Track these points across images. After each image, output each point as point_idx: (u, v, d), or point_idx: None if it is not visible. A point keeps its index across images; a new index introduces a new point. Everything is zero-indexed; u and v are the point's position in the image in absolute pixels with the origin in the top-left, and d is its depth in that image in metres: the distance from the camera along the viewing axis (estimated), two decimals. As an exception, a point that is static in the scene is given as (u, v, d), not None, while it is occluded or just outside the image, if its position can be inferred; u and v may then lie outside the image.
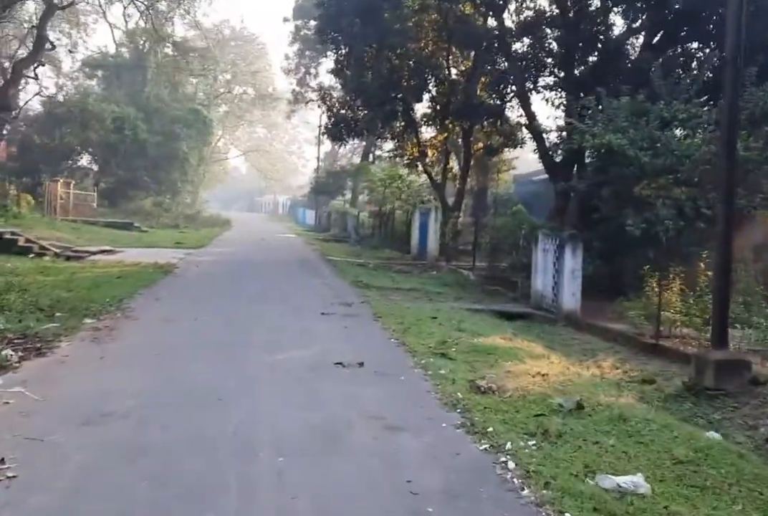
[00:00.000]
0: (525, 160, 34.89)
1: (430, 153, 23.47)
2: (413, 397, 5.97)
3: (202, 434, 4.71)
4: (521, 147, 23.07)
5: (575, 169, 18.32)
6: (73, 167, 40.19)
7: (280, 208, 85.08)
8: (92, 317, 8.79)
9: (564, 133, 18.46)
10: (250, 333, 8.66)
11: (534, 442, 4.72)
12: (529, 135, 20.10)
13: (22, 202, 27.78)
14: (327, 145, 62.79)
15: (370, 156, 41.67)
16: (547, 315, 11.86)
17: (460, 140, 24.87)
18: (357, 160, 48.01)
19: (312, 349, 7.78)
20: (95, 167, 42.47)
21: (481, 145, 23.93)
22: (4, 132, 34.60)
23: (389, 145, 40.61)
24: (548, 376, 6.32)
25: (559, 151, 19.38)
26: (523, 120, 20.44)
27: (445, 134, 23.03)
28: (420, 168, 24.34)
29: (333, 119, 22.75)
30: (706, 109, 13.70)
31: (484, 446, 4.68)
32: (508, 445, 4.64)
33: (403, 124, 22.36)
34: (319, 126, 24.57)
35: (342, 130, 22.52)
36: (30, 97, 41.44)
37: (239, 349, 7.59)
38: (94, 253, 17.56)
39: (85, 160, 42.47)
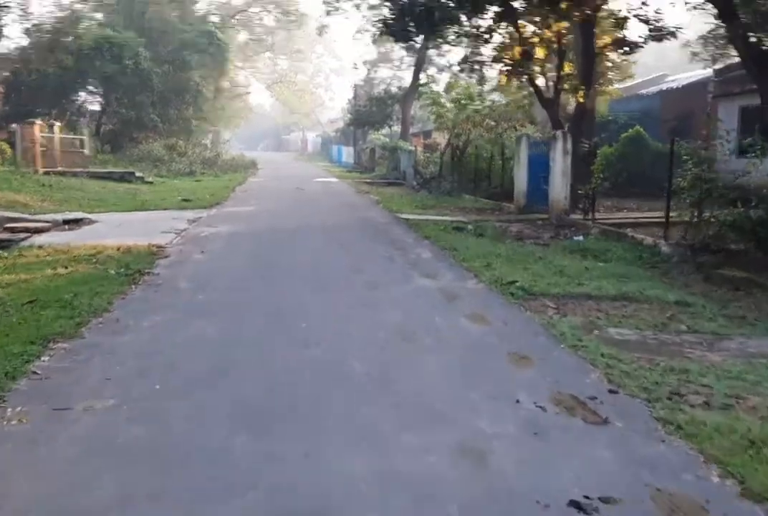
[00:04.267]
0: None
1: (541, 53, 15.89)
2: None
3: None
4: (672, 38, 15.55)
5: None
6: (70, 109, 33.59)
7: (309, 146, 78.15)
8: None
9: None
10: None
11: None
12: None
13: (-9, 152, 21.84)
14: (361, 70, 54.79)
15: (422, 77, 34.08)
16: None
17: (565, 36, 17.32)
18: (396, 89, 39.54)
19: None
20: (95, 108, 35.79)
21: (607, 40, 16.41)
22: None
23: (443, 60, 32.75)
24: None
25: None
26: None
27: (560, 25, 15.47)
28: (516, 78, 16.91)
29: (397, 11, 15.31)
30: None
31: None
32: None
33: (500, 11, 14.90)
34: (377, 22, 17.06)
35: (408, 26, 15.13)
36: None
37: None
38: (41, 231, 10.90)
39: (83, 100, 35.87)
